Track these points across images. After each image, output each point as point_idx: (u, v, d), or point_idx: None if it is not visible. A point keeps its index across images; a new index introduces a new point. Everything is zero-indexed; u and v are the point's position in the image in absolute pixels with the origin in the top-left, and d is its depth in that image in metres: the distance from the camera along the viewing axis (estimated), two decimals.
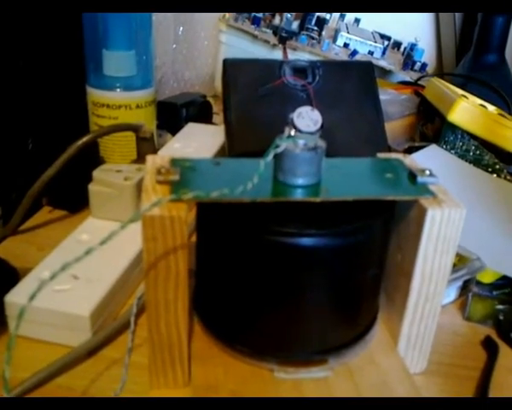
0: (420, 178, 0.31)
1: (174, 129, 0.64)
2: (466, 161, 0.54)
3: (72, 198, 0.50)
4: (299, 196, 0.29)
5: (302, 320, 0.30)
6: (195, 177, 0.31)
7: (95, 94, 0.54)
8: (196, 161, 0.32)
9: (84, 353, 0.33)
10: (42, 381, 0.31)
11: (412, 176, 0.32)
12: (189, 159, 0.33)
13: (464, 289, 0.41)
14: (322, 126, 0.57)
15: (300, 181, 0.29)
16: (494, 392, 0.32)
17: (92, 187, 0.44)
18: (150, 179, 0.30)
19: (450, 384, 0.34)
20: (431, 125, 0.65)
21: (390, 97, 0.68)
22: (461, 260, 0.41)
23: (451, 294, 0.41)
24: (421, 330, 0.32)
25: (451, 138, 0.55)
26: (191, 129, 0.63)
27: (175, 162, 0.32)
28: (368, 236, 0.29)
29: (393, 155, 0.36)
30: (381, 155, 0.36)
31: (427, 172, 0.32)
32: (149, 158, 0.33)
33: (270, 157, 0.28)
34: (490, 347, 0.36)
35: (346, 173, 0.32)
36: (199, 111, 0.70)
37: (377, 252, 0.31)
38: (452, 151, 0.55)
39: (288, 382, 0.30)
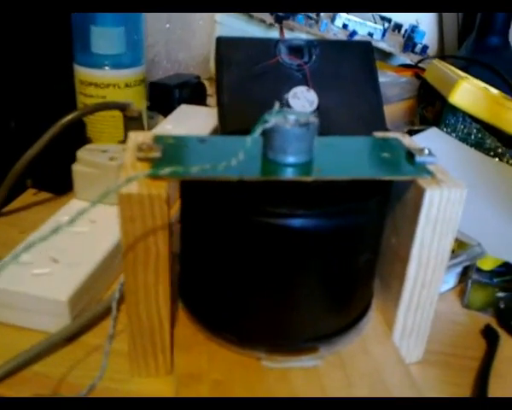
0: (418, 158, 0.29)
1: (166, 111, 0.62)
2: (467, 144, 0.52)
3: (58, 180, 0.48)
4: (289, 175, 0.27)
5: (291, 307, 0.28)
6: (178, 154, 0.29)
7: (82, 72, 0.52)
8: (180, 137, 0.31)
9: (63, 339, 0.32)
10: (17, 368, 0.30)
11: (410, 155, 0.30)
12: (172, 136, 0.31)
13: (463, 275, 0.39)
14: (318, 107, 0.55)
15: (291, 159, 0.28)
16: (494, 382, 0.31)
17: (76, 167, 0.42)
18: (131, 157, 0.28)
19: (449, 375, 0.32)
20: (431, 109, 0.63)
21: (389, 80, 0.66)
22: (460, 246, 0.39)
23: (450, 281, 0.39)
24: (417, 317, 0.31)
25: (452, 121, 0.53)
26: (184, 111, 0.61)
27: (158, 139, 0.30)
28: (361, 218, 0.27)
29: (391, 134, 0.34)
30: (379, 134, 0.34)
31: (426, 152, 0.30)
32: (132, 135, 0.31)
33: (257, 133, 0.26)
34: (490, 336, 0.35)
35: (340, 152, 0.30)
36: (192, 93, 0.68)
37: (371, 235, 0.29)
38: (453, 134, 0.53)
39: (276, 371, 0.28)
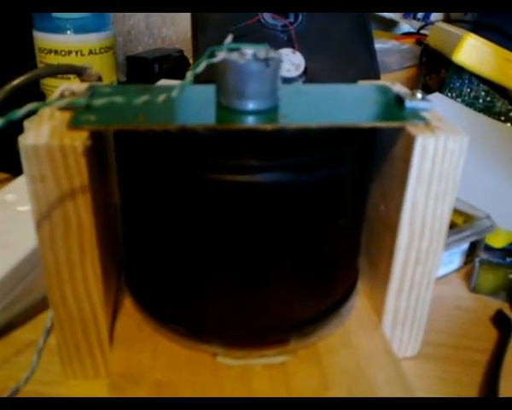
0: (409, 103, 0.24)
1: None
2: (475, 109, 0.46)
3: (15, 159, 0.43)
4: (245, 122, 0.22)
5: (253, 288, 0.23)
6: (112, 103, 0.23)
7: (41, 39, 0.46)
8: (118, 86, 0.25)
9: None
10: None
11: (399, 101, 0.24)
12: (111, 85, 0.25)
13: (470, 254, 0.34)
14: (305, 72, 0.49)
15: (249, 105, 0.22)
16: (506, 379, 0.25)
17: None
18: (51, 107, 0.23)
19: (451, 371, 0.26)
20: (435, 76, 0.57)
21: (388, 47, 0.60)
22: (467, 221, 0.33)
23: (455, 260, 0.33)
24: (411, 301, 0.25)
25: (458, 84, 0.47)
26: (162, 85, 0.56)
27: (91, 88, 0.25)
28: (335, 170, 0.22)
29: (380, 82, 0.28)
30: (364, 82, 0.28)
31: (419, 96, 0.24)
32: (62, 86, 0.25)
33: (200, 68, 0.21)
34: (501, 324, 0.29)
35: (312, 99, 0.25)
36: (174, 66, 0.62)
37: (349, 195, 0.23)
38: (459, 99, 0.47)
39: (235, 369, 0.23)
